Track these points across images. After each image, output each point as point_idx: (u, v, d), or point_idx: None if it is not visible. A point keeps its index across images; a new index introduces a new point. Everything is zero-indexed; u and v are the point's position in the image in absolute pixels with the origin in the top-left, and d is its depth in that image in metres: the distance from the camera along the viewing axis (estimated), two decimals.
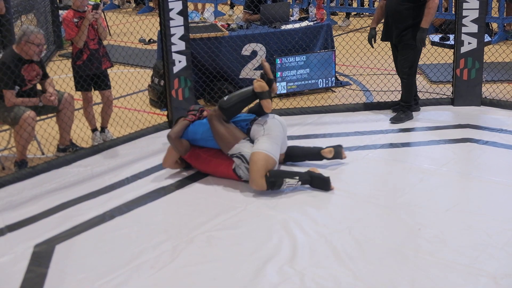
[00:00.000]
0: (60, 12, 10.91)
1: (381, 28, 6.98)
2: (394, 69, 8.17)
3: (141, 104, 7.89)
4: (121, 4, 16.74)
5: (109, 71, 6.51)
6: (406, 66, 6.81)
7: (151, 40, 11.56)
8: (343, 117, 7.06)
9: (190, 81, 6.95)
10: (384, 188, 5.14)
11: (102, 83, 6.36)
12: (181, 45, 6.79)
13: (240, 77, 7.89)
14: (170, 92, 6.86)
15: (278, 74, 7.84)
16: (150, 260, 4.14)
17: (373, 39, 7.01)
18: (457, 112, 7.08)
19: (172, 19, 6.66)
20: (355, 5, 12.96)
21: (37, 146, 6.31)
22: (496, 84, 7.75)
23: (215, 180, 5.40)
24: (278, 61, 7.80)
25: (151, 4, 15.65)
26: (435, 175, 5.34)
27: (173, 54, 6.77)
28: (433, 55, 7.98)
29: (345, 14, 13.09)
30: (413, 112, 6.92)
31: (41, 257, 4.25)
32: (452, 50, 7.41)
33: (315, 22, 8.33)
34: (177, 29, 6.74)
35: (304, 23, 8.26)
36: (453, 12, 8.19)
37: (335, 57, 8.03)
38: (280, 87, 7.84)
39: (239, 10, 13.60)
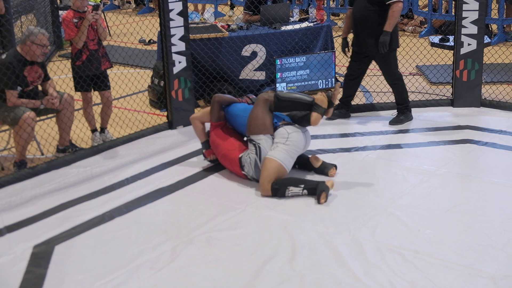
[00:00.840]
0: (60, 12, 10.91)
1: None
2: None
3: (141, 105, 7.89)
4: (121, 5, 16.76)
5: (108, 71, 6.52)
6: (394, 70, 6.83)
7: (151, 41, 11.57)
8: (343, 118, 7.05)
9: (190, 82, 6.95)
10: (384, 189, 5.14)
11: (102, 83, 6.36)
12: (181, 46, 6.79)
13: (240, 77, 7.89)
14: (170, 93, 6.86)
15: (278, 75, 7.84)
16: (149, 261, 4.14)
17: (346, 49, 6.99)
18: (457, 113, 7.08)
19: (172, 19, 6.66)
20: None
21: (36, 147, 6.31)
22: (495, 85, 7.75)
23: (215, 181, 5.40)
24: (278, 62, 7.80)
25: (151, 5, 15.66)
26: (434, 176, 5.34)
27: (173, 54, 6.77)
28: (433, 56, 7.99)
29: (345, 15, 13.08)
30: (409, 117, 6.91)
31: (40, 258, 4.24)
32: (452, 51, 7.42)
33: (315, 23, 8.34)
34: (177, 30, 6.74)
35: (304, 24, 8.27)
36: (453, 13, 8.19)
37: (335, 58, 8.04)
38: (280, 88, 7.85)
39: (239, 11, 13.62)
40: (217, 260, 4.13)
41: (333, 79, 8.09)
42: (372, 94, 7.94)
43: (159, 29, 6.89)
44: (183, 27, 6.77)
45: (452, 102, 7.33)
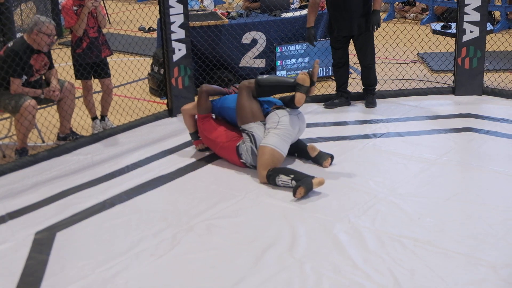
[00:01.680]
0: (60, 0, 10.88)
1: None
2: (395, 57, 8.17)
3: (141, 93, 7.88)
4: None
5: (108, 59, 6.51)
6: (371, 53, 6.96)
7: (151, 28, 11.54)
8: (343, 106, 7.05)
9: (190, 70, 6.94)
10: (384, 177, 5.14)
11: (102, 71, 6.36)
12: (180, 33, 6.78)
13: (240, 65, 7.88)
14: (170, 81, 6.86)
15: (278, 62, 7.83)
16: (150, 248, 4.15)
17: (313, 38, 6.98)
18: (458, 101, 7.07)
19: (171, 7, 6.65)
20: None
21: (37, 134, 6.32)
22: (498, 73, 7.74)
23: (215, 169, 5.40)
24: (278, 49, 7.79)
25: None
26: (435, 165, 5.34)
27: (173, 42, 6.76)
28: (435, 43, 7.97)
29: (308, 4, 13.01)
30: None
31: (42, 244, 4.26)
32: (454, 39, 7.38)
33: None
34: (176, 17, 6.72)
35: (305, 11, 8.23)
36: (455, 0, 8.15)
37: (331, 47, 8.01)
38: (280, 75, 7.83)
39: None
40: (217, 248, 4.14)
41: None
42: None
43: (158, 16, 6.87)
44: (182, 15, 6.75)
45: (453, 90, 7.32)
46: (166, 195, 5.05)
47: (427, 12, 11.78)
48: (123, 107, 7.01)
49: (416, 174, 5.18)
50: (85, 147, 6.07)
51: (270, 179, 5.01)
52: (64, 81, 6.04)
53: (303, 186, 4.78)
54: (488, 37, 7.36)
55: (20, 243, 4.29)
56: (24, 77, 5.68)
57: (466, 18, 7.05)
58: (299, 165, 5.38)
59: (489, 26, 8.06)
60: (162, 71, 7.29)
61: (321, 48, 7.84)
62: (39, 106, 5.93)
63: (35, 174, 5.48)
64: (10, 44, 5.77)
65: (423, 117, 6.59)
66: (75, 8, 6.11)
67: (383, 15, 6.94)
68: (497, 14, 11.17)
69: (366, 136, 6.05)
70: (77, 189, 5.15)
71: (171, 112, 6.89)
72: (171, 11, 6.66)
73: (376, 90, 7.13)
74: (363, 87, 7.13)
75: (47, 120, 6.38)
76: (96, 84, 6.57)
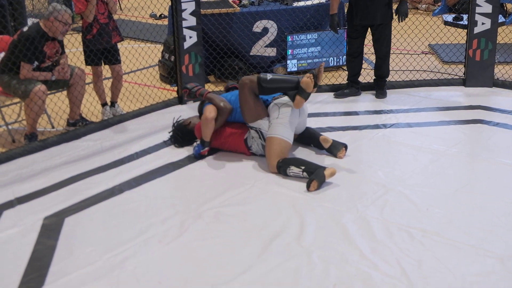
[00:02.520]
0: None
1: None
2: (406, 48, 8.15)
3: (151, 80, 7.89)
4: None
5: (119, 45, 6.51)
6: (388, 44, 6.93)
7: (162, 15, 11.53)
8: (354, 96, 7.03)
9: (200, 57, 6.94)
10: (393, 168, 5.13)
11: (112, 57, 6.36)
12: (192, 21, 6.77)
13: (251, 54, 7.86)
14: (181, 68, 6.86)
15: (289, 51, 7.81)
16: (158, 235, 4.16)
17: (337, 25, 6.92)
18: (469, 93, 7.05)
19: None
20: None
21: (47, 120, 6.33)
22: (508, 66, 7.70)
23: (224, 157, 5.40)
24: (289, 38, 7.77)
25: None
26: (444, 156, 5.33)
27: (184, 29, 6.76)
28: (446, 35, 7.92)
29: None
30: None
31: (51, 230, 4.28)
32: (465, 31, 7.35)
33: None
34: (188, 4, 6.71)
35: (316, 0, 8.20)
36: None
37: (346, 36, 7.98)
38: (291, 65, 7.82)
39: None
40: (225, 235, 4.15)
41: (345, 57, 8.04)
42: None
43: (170, 3, 6.86)
44: (194, 2, 6.75)
45: (464, 82, 7.29)
46: (174, 182, 5.06)
47: (439, 3, 11.71)
48: (133, 94, 7.02)
49: (425, 165, 5.16)
50: (94, 133, 6.09)
51: (281, 170, 5.01)
52: (74, 67, 6.05)
53: (316, 180, 4.77)
54: (499, 29, 7.32)
55: (28, 228, 4.31)
56: (36, 63, 5.69)
57: (478, 10, 7.01)
58: (313, 156, 5.36)
59: (501, 18, 8.01)
60: (172, 58, 7.28)
61: (332, 38, 7.81)
62: (49, 92, 5.94)
63: (45, 159, 5.50)
64: (25, 28, 5.78)
65: (433, 108, 6.57)
66: None
67: (394, 6, 6.91)
68: (509, 6, 11.10)
69: (376, 127, 6.04)
70: (86, 175, 5.16)
71: (181, 99, 6.89)
72: None
73: (387, 80, 7.11)
74: (374, 77, 7.11)
75: (57, 105, 6.39)
76: (106, 70, 6.57)
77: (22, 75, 5.65)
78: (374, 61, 7.11)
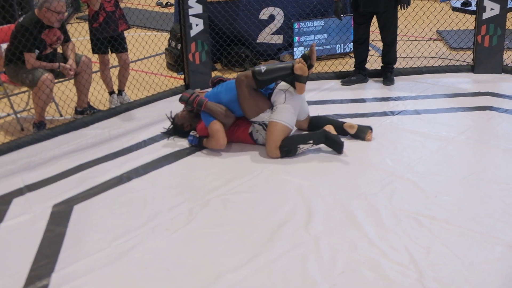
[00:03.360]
0: None
1: None
2: (414, 35, 8.12)
3: (158, 68, 7.88)
4: None
5: (126, 34, 6.51)
6: (394, 31, 6.88)
7: (168, 3, 11.52)
8: (361, 83, 7.01)
9: (207, 45, 6.93)
10: (401, 155, 5.12)
11: (119, 45, 6.36)
12: (198, 8, 6.76)
13: (258, 41, 7.84)
14: (187, 56, 6.85)
15: (296, 39, 7.79)
16: (165, 222, 4.17)
17: (341, 12, 6.92)
18: (477, 79, 7.02)
19: None
20: None
21: (55, 108, 6.35)
22: None
23: (231, 144, 5.40)
24: (296, 25, 7.74)
25: None
26: (453, 143, 5.31)
27: (190, 17, 6.74)
28: (454, 21, 7.88)
29: None
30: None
31: (60, 217, 4.29)
32: (474, 16, 7.31)
33: None
34: None
35: None
36: None
37: (353, 22, 7.95)
38: (298, 52, 7.80)
39: None
40: (232, 223, 4.15)
41: (351, 44, 8.02)
42: None
43: None
44: None
45: (472, 68, 7.26)
46: (182, 170, 5.07)
47: None
48: (140, 82, 7.02)
49: (433, 152, 5.15)
50: (102, 121, 6.10)
51: (290, 153, 5.07)
52: (81, 55, 6.05)
53: (339, 141, 5.00)
54: (508, 15, 7.28)
55: (38, 215, 4.33)
56: (37, 51, 5.69)
57: None
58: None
59: (510, 4, 7.96)
60: (179, 46, 7.28)
61: (339, 25, 7.78)
62: (56, 80, 5.95)
63: (53, 147, 5.52)
64: (21, 19, 5.78)
65: (441, 95, 6.55)
66: None
67: None
68: None
69: (383, 114, 6.02)
70: (94, 162, 5.18)
71: (188, 87, 6.89)
72: None
73: (395, 67, 7.09)
74: (382, 64, 7.08)
75: (65, 94, 6.40)
76: (113, 58, 6.57)
77: (29, 65, 5.65)
78: (381, 48, 7.08)
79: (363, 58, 7.03)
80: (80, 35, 6.87)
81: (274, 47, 7.96)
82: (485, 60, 7.15)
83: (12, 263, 3.77)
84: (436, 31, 8.87)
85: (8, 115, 6.24)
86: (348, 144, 5.27)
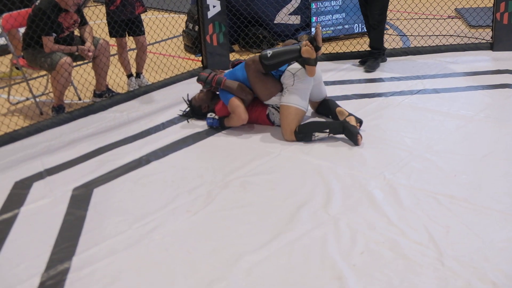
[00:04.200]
0: None
1: None
2: (432, 13, 8.06)
3: (176, 50, 7.89)
4: None
5: (143, 16, 6.51)
6: (377, 13, 6.67)
7: None
8: (382, 63, 6.97)
9: (224, 26, 6.91)
10: (420, 134, 5.10)
11: (137, 28, 6.36)
12: None
13: (275, 22, 7.82)
14: (205, 38, 6.84)
15: (313, 19, 7.75)
16: (185, 204, 4.19)
17: None
18: (496, 57, 6.95)
19: None
20: None
21: (74, 92, 6.38)
22: None
23: (249, 126, 5.41)
24: (313, 5, 7.70)
25: None
26: (472, 122, 5.28)
27: None
28: None
29: None
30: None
31: (80, 200, 4.33)
32: None
33: None
34: None
35: None
36: None
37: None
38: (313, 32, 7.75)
39: None
40: (251, 204, 4.17)
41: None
42: (409, 38, 7.82)
43: None
44: None
45: (491, 46, 7.19)
46: (201, 152, 5.08)
47: None
48: (158, 65, 7.03)
49: (452, 131, 5.12)
50: (121, 104, 6.12)
51: (303, 138, 5.05)
52: (99, 39, 6.07)
53: (356, 132, 4.94)
54: None
55: (58, 199, 4.37)
56: (54, 34, 5.71)
57: None
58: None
59: None
60: (196, 28, 7.27)
61: (356, 4, 7.72)
62: (75, 64, 5.97)
63: (72, 131, 5.56)
64: (38, 2, 5.80)
65: (460, 73, 6.50)
66: None
67: None
68: None
69: (402, 93, 5.99)
70: (113, 146, 5.21)
71: (205, 69, 6.88)
72: None
73: (413, 46, 7.03)
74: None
75: (83, 77, 6.43)
76: (131, 41, 6.58)
77: (47, 49, 5.67)
78: (399, 27, 7.02)
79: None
80: (97, 18, 6.89)
81: (291, 28, 7.93)
82: (504, 38, 7.07)
83: (33, 246, 3.80)
84: (455, 9, 8.79)
85: (27, 99, 6.28)
86: (367, 124, 5.25)
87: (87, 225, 4.01)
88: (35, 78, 6.64)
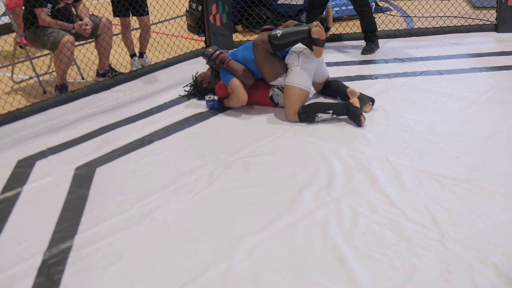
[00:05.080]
0: None
1: None
2: None
3: (179, 30, 7.86)
4: None
5: None
6: None
7: None
8: (383, 43, 6.96)
9: (228, 7, 6.88)
10: (423, 116, 5.08)
11: (140, 8, 6.34)
12: None
13: (279, 2, 7.78)
14: (208, 18, 6.82)
15: None
16: (188, 184, 4.20)
17: None
18: (501, 39, 6.92)
19: None
20: None
21: (76, 71, 6.37)
22: None
23: (251, 107, 5.40)
24: None
25: None
26: (475, 103, 5.27)
27: None
28: None
29: None
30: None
31: (82, 179, 4.33)
32: None
33: None
34: None
35: None
36: None
37: None
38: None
39: None
40: (254, 185, 4.17)
41: (373, 4, 7.92)
42: (413, 19, 7.78)
43: None
44: None
45: (496, 27, 7.16)
46: (203, 132, 5.08)
47: None
48: (161, 44, 7.02)
49: (455, 113, 5.11)
50: (123, 84, 6.12)
51: (307, 119, 5.04)
52: (101, 18, 6.04)
53: (361, 114, 4.93)
54: None
55: (60, 177, 4.38)
56: (49, 5, 5.67)
57: None
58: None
59: None
60: (200, 8, 7.24)
61: None
62: (77, 43, 5.95)
63: (75, 110, 5.56)
64: None
65: (464, 55, 6.47)
66: None
67: None
68: None
69: (405, 74, 5.98)
70: (116, 125, 5.21)
71: (212, 45, 6.86)
72: None
73: (416, 27, 7.00)
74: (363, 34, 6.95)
75: (86, 56, 6.42)
76: (134, 21, 6.56)
77: (41, 20, 5.63)
78: (402, 8, 6.98)
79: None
80: None
81: (295, 8, 7.89)
82: (508, 20, 7.04)
83: (35, 225, 3.81)
84: None
85: (31, 78, 6.28)
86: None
87: (89, 204, 4.01)
88: (38, 57, 6.63)
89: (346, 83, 5.56)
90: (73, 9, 5.97)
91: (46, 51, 6.45)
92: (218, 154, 4.62)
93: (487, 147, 4.53)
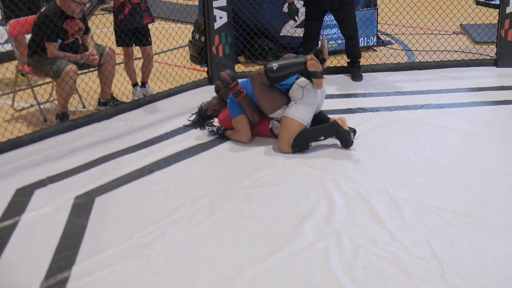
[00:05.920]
0: None
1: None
2: (437, 28, 8.06)
3: (182, 60, 7.90)
4: None
5: (150, 26, 6.52)
6: (354, 23, 6.84)
7: None
8: (384, 77, 6.99)
9: (230, 38, 6.92)
10: (423, 149, 5.09)
11: (144, 38, 6.37)
12: (222, 1, 6.75)
13: (281, 34, 7.82)
14: (211, 48, 6.85)
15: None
16: (188, 215, 4.18)
17: (294, 13, 6.81)
18: (501, 73, 6.95)
19: None
20: None
21: (78, 99, 6.38)
22: None
23: (253, 138, 5.40)
24: None
25: None
26: (476, 137, 5.27)
27: (214, 9, 6.74)
28: (478, 15, 7.82)
29: None
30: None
31: (82, 209, 4.32)
32: (497, 10, 7.23)
33: None
34: None
35: None
36: None
37: (377, 16, 7.92)
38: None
39: None
40: (254, 216, 4.16)
41: (375, 37, 7.98)
42: (414, 53, 7.82)
43: None
44: None
45: (496, 62, 7.20)
46: (204, 162, 5.08)
47: None
48: (164, 74, 7.04)
49: (456, 146, 5.11)
50: (125, 113, 6.12)
51: (301, 150, 5.09)
52: (104, 47, 6.08)
53: (346, 133, 5.03)
54: None
55: (60, 207, 4.36)
56: (59, 41, 5.72)
57: None
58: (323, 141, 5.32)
59: None
60: (203, 38, 7.28)
61: (362, 18, 7.75)
62: (80, 72, 5.98)
63: (75, 139, 5.55)
64: (43, 9, 5.82)
65: (464, 89, 6.49)
66: None
67: None
68: None
69: (406, 107, 5.99)
70: (116, 154, 5.20)
71: (211, 79, 6.90)
72: None
73: (418, 61, 7.03)
74: (348, 60, 7.02)
75: (88, 85, 6.43)
76: (137, 50, 6.59)
77: (52, 55, 5.68)
78: (404, 42, 7.02)
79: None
80: (104, 26, 6.90)
81: (297, 40, 7.93)
82: (508, 54, 7.08)
83: (33, 254, 3.79)
84: (460, 25, 8.79)
85: (32, 106, 6.29)
86: (371, 138, 5.25)
87: (88, 234, 4.00)
88: (40, 85, 6.65)
89: (347, 115, 5.56)
90: (80, 40, 6.01)
91: (48, 79, 6.47)
92: (219, 184, 4.61)
93: (488, 180, 4.53)
